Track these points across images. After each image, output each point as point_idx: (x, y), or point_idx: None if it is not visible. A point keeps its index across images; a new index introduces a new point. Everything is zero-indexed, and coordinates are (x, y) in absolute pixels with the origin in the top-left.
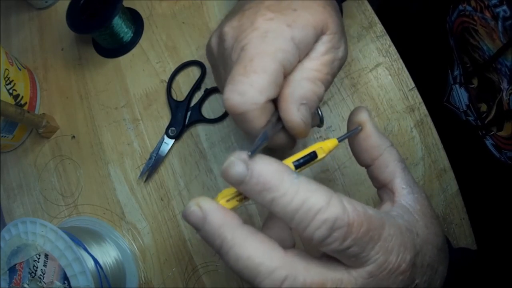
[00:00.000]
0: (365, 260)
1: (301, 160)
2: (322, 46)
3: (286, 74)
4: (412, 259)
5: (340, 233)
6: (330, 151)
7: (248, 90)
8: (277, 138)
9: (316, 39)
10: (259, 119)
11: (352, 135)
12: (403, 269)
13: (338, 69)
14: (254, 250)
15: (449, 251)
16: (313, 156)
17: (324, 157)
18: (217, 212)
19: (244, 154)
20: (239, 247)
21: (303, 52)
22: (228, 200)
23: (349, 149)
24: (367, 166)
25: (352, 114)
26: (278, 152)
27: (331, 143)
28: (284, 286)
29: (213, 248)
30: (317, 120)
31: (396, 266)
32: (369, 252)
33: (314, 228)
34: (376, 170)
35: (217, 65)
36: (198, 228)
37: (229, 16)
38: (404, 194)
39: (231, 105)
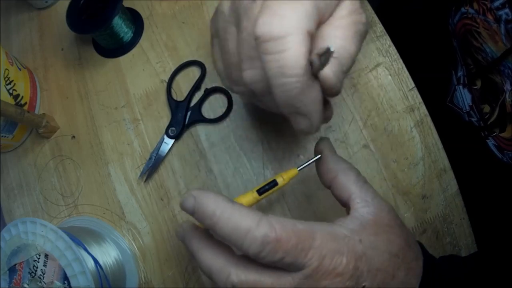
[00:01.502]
0: (301, 266)
1: (263, 189)
2: (345, 9)
3: (320, 20)
4: (351, 263)
5: (270, 247)
6: (290, 179)
7: (289, 13)
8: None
9: (336, 3)
10: (301, 46)
11: (311, 163)
12: (339, 272)
13: (364, 36)
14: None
15: (424, 258)
16: (273, 184)
17: (284, 184)
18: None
19: (196, 192)
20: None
21: (328, 5)
22: None
23: (345, 149)
24: (328, 187)
25: (315, 145)
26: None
27: (291, 172)
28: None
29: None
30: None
31: (331, 268)
32: (303, 259)
33: (248, 245)
34: (335, 191)
35: (225, 28)
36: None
37: None
38: (358, 208)
39: (268, 29)
